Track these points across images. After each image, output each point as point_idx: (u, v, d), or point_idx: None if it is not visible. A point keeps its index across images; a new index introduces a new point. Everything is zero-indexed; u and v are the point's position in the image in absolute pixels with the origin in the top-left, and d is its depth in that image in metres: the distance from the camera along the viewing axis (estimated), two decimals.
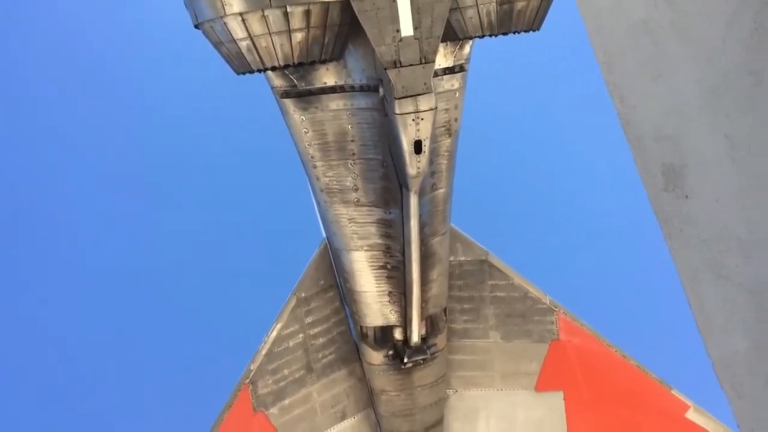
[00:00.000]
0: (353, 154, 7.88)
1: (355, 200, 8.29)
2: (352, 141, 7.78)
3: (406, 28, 6.08)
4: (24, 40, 48.77)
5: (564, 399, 10.91)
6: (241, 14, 6.14)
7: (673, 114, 2.89)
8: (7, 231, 48.10)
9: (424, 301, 9.06)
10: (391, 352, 9.67)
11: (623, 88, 3.16)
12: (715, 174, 2.70)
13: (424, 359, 9.58)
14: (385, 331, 9.58)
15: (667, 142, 2.94)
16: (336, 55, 6.90)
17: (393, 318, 9.40)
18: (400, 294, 9.07)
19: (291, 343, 9.97)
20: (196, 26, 6.65)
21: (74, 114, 50.09)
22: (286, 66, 6.64)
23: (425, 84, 6.31)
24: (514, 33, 7.16)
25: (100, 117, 50.82)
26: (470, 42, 7.63)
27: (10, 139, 48.33)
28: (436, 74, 7.32)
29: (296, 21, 6.28)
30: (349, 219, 8.50)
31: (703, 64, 2.64)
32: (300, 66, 6.80)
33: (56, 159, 49.96)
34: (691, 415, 10.44)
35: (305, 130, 7.77)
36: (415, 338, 9.27)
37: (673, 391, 10.51)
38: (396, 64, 6.18)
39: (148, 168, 52.43)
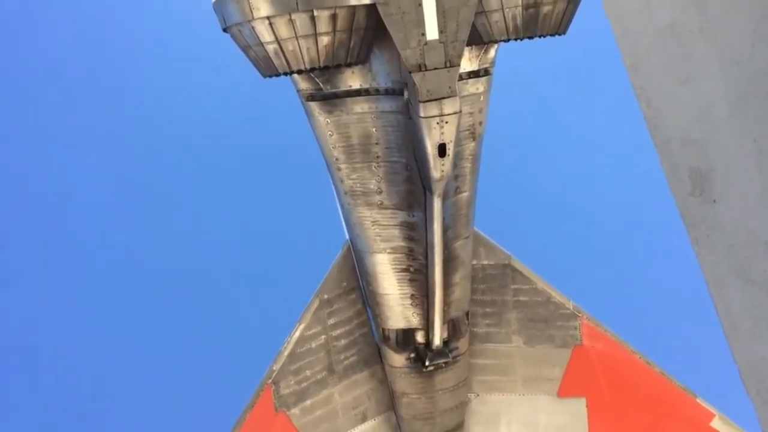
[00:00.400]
0: (377, 156, 7.92)
1: (379, 203, 8.32)
2: (376, 144, 7.82)
3: (432, 32, 6.12)
4: (31, 42, 49.64)
5: (586, 405, 10.81)
6: (268, 18, 6.22)
7: (701, 118, 2.87)
8: (32, 232, 49.00)
9: (446, 304, 9.05)
10: (412, 355, 9.67)
11: (650, 92, 3.15)
12: (743, 179, 2.67)
13: (445, 363, 9.56)
14: (407, 334, 9.59)
15: (695, 146, 2.92)
16: (361, 59, 6.95)
17: (415, 321, 9.40)
18: (422, 297, 9.07)
19: (313, 345, 10.02)
20: (225, 30, 6.75)
21: (100, 118, 50.91)
22: (312, 69, 6.69)
23: (450, 87, 6.33)
24: (539, 37, 7.15)
25: (123, 121, 51.61)
26: (495, 46, 7.63)
27: (15, 139, 49.24)
28: (460, 78, 7.33)
29: (323, 25, 6.34)
30: (372, 221, 8.54)
31: (731, 68, 2.62)
32: (326, 69, 6.86)
33: (89, 161, 50.85)
34: (717, 424, 10.28)
35: (330, 132, 7.83)
36: (437, 341, 9.26)
37: (698, 399, 10.36)
38: (421, 67, 6.21)
39: (175, 172, 53.13)
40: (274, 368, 9.79)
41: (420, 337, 9.56)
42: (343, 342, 10.25)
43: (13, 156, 48.84)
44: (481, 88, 7.81)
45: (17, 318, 47.41)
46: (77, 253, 49.69)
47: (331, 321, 10.09)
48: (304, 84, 7.56)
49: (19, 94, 49.18)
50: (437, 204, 7.60)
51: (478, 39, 7.01)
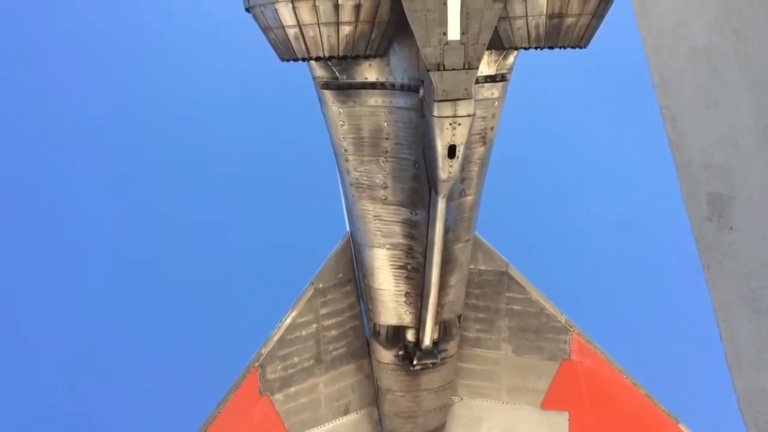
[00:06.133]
0: (386, 151, 7.90)
1: (383, 198, 8.30)
2: (386, 138, 7.80)
3: (454, 33, 6.09)
4: (34, 37, 49.45)
5: (569, 420, 10.83)
6: (292, 2, 6.20)
7: (726, 143, 2.84)
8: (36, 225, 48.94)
9: (440, 305, 9.04)
10: (401, 353, 9.66)
11: (676, 112, 3.11)
12: (764, 209, 2.65)
13: (433, 363, 9.55)
14: (398, 331, 9.58)
15: (716, 171, 2.89)
16: (381, 52, 6.93)
17: (407, 319, 9.39)
18: (417, 296, 9.06)
19: (304, 332, 10.01)
20: (247, 9, 6.73)
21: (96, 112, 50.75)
22: (330, 57, 6.69)
23: (466, 89, 6.31)
24: (560, 48, 7.14)
25: (125, 112, 51.46)
26: (515, 53, 7.61)
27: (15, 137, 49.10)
28: (477, 81, 7.31)
29: (346, 14, 6.32)
30: (374, 216, 8.52)
31: (764, 96, 2.59)
32: (344, 59, 6.86)
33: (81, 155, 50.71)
34: None
35: (341, 122, 7.81)
36: (426, 341, 9.26)
37: (680, 425, 10.38)
38: (439, 66, 6.19)
39: (179, 158, 53.04)
40: (263, 352, 9.78)
41: (410, 336, 9.55)
42: (333, 333, 10.24)
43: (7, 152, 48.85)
44: (497, 94, 7.80)
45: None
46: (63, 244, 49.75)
47: (324, 311, 10.08)
48: (320, 71, 7.54)
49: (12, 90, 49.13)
50: (441, 205, 7.58)
51: (498, 44, 7.00)
